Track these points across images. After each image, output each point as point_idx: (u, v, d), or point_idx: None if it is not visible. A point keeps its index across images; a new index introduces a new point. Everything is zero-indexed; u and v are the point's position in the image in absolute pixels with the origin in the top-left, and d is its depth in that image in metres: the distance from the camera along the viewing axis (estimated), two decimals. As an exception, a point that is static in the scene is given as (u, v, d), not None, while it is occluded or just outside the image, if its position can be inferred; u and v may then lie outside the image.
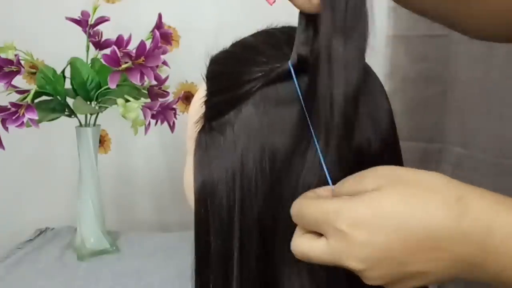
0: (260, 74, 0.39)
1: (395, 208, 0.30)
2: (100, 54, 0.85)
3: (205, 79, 0.45)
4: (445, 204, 0.29)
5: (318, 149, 0.35)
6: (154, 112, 0.78)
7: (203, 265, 0.42)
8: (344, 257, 0.30)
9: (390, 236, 0.29)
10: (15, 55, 0.77)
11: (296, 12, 0.38)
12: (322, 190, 0.35)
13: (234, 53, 0.44)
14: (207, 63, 0.45)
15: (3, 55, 0.77)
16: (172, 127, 0.83)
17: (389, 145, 0.41)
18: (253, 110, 0.39)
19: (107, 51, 0.77)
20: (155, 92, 0.85)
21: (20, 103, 0.74)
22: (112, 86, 0.75)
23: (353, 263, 0.30)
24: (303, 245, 0.32)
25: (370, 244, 0.29)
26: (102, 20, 0.85)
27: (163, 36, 0.83)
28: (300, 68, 0.38)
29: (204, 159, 0.41)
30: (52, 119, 0.82)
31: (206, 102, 0.43)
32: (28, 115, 0.73)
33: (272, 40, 0.42)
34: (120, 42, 0.80)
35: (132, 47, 0.80)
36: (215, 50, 0.46)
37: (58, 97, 0.83)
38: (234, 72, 0.41)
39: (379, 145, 0.39)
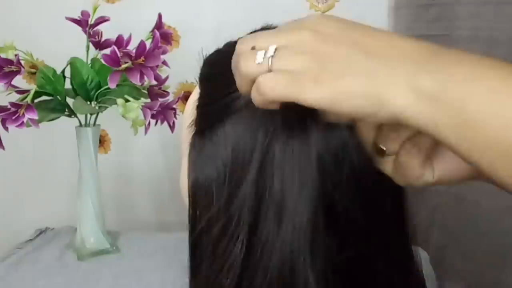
0: None
1: None
2: (100, 54, 0.85)
3: (197, 82, 0.44)
4: None
5: None
6: (154, 112, 0.78)
7: (198, 263, 0.42)
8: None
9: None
10: (15, 55, 0.77)
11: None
12: None
13: (227, 56, 0.43)
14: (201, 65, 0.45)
15: (3, 55, 0.77)
16: (172, 127, 0.83)
17: None
18: (245, 116, 0.38)
19: (107, 51, 0.77)
20: (155, 92, 0.85)
21: (20, 103, 0.75)
22: (112, 86, 0.75)
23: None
24: None
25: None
26: (102, 20, 0.85)
27: (163, 36, 0.83)
28: None
29: (198, 160, 0.41)
30: (52, 119, 0.82)
31: (198, 108, 0.43)
32: (28, 115, 0.73)
33: None
34: (120, 42, 0.80)
35: (132, 47, 0.80)
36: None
37: (58, 97, 0.83)
38: (226, 77, 0.41)
39: None
